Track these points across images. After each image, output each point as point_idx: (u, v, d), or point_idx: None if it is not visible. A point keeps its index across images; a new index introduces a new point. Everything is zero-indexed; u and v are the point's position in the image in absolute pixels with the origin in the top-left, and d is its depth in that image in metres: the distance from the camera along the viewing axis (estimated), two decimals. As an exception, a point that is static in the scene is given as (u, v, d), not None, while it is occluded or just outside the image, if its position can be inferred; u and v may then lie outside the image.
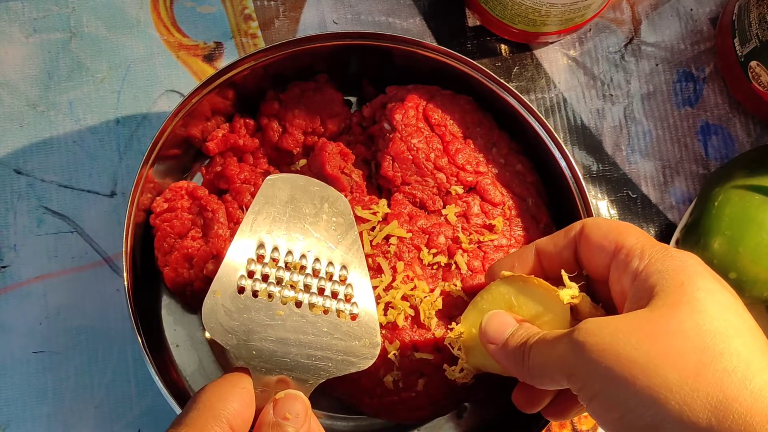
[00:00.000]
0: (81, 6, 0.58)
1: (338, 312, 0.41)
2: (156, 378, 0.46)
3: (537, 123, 0.49)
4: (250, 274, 0.40)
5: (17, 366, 0.54)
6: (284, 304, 0.40)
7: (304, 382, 0.40)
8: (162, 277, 0.50)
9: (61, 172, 0.56)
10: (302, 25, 0.58)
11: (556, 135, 0.49)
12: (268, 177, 0.42)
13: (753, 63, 0.53)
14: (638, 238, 0.38)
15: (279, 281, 0.41)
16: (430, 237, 0.48)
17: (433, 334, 0.46)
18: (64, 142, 0.56)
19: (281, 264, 0.41)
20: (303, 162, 0.51)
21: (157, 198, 0.51)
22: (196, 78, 0.57)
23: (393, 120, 0.49)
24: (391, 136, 0.49)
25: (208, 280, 0.49)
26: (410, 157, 0.49)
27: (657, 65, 0.59)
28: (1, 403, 0.53)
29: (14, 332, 0.54)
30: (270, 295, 0.40)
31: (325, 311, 0.41)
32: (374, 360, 0.42)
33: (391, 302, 0.46)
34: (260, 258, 0.41)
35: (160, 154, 0.49)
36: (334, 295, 0.42)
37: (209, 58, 0.58)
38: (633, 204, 0.58)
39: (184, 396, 0.49)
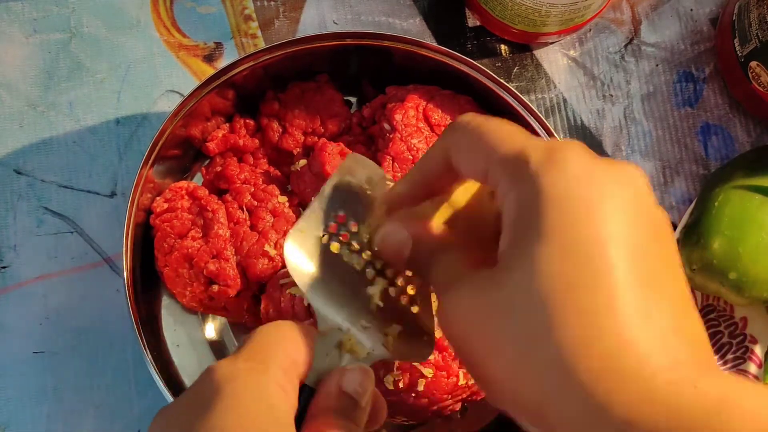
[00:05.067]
0: (81, 6, 0.58)
1: (407, 299, 0.39)
2: (156, 378, 0.46)
3: (537, 123, 0.49)
4: (332, 228, 0.39)
5: (17, 366, 0.54)
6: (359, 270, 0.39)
7: (360, 354, 0.37)
8: (162, 277, 0.50)
9: (61, 172, 0.56)
10: (302, 25, 0.58)
11: (556, 135, 0.49)
12: (352, 153, 0.40)
13: (753, 63, 0.53)
14: (507, 147, 0.29)
15: (356, 250, 0.39)
16: (430, 237, 0.48)
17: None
18: (64, 143, 0.56)
19: (357, 237, 0.39)
20: (303, 162, 0.51)
21: (157, 198, 0.51)
22: (196, 78, 0.57)
23: (393, 120, 0.49)
24: (391, 136, 0.49)
25: (209, 280, 0.49)
26: (410, 157, 0.49)
27: (657, 65, 0.59)
28: (1, 403, 0.53)
29: (14, 332, 0.54)
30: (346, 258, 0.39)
31: (396, 295, 0.39)
32: (431, 356, 0.40)
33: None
34: (341, 218, 0.39)
35: (160, 154, 0.49)
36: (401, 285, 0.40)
37: (209, 59, 0.58)
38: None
39: (184, 396, 0.49)
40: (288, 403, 0.31)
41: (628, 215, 0.27)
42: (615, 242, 0.26)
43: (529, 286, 0.26)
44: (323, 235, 0.39)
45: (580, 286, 0.26)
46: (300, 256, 0.38)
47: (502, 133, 0.30)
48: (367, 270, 0.39)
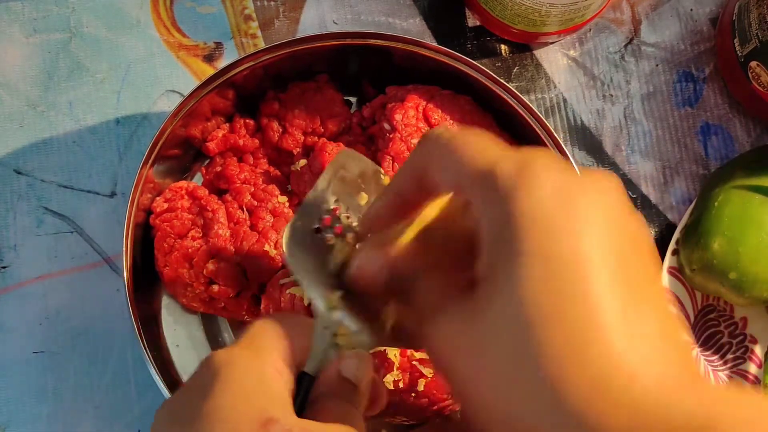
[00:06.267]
0: (81, 6, 0.58)
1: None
2: (156, 378, 0.46)
3: (537, 123, 0.49)
4: (326, 221, 0.39)
5: (17, 366, 0.54)
6: None
7: (355, 343, 0.37)
8: (162, 277, 0.50)
9: (61, 172, 0.56)
10: (302, 25, 0.58)
11: (556, 135, 0.49)
12: (344, 149, 0.40)
13: (753, 63, 0.53)
14: (479, 162, 0.28)
15: (350, 242, 0.39)
16: (430, 237, 0.48)
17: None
18: (64, 143, 0.56)
19: (351, 229, 0.40)
20: (303, 162, 0.51)
21: (157, 198, 0.51)
22: (196, 78, 0.57)
23: (393, 120, 0.49)
24: (391, 136, 0.49)
25: (209, 280, 0.49)
26: (410, 157, 0.49)
27: (657, 65, 0.59)
28: (1, 403, 0.53)
29: (14, 332, 0.54)
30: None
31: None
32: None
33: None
34: (334, 210, 0.39)
35: (160, 154, 0.49)
36: None
37: (209, 59, 0.58)
38: (633, 204, 0.58)
39: (184, 396, 0.49)
40: (284, 385, 0.31)
41: (604, 229, 0.26)
42: (593, 257, 0.26)
43: (511, 311, 0.26)
44: (318, 228, 0.39)
45: (562, 306, 0.25)
46: (296, 250, 0.38)
47: (475, 146, 0.29)
48: None
